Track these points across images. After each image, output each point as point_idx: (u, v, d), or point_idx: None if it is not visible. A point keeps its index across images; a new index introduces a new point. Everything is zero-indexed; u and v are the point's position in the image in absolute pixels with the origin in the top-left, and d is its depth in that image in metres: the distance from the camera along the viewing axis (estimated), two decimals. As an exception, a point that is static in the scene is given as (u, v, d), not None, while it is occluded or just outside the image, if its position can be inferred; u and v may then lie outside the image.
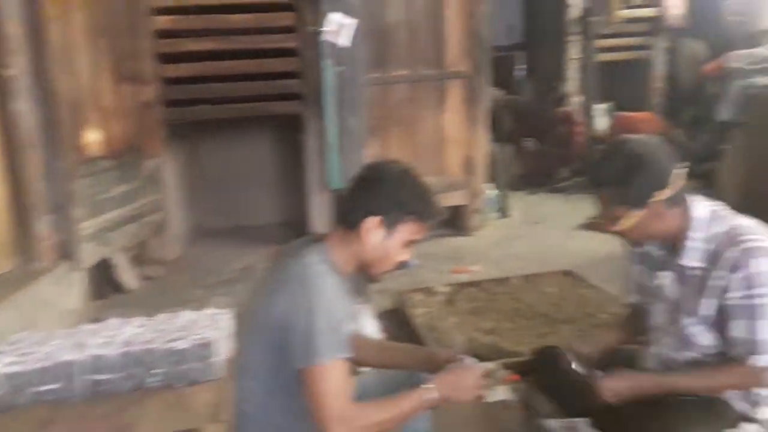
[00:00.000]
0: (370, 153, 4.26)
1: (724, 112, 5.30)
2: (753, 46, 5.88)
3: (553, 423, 1.96)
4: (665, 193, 1.67)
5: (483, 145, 4.87)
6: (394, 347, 1.90)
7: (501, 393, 2.23)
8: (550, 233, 4.91)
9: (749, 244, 1.60)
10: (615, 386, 1.72)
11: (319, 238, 1.59)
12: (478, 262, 4.24)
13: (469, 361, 1.72)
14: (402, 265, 1.63)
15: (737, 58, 5.46)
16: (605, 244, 2.41)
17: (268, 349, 1.49)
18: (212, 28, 4.27)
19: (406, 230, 1.55)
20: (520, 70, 8.39)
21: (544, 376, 2.21)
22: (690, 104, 7.05)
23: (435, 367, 1.69)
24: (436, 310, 3.13)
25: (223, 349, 1.84)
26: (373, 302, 3.23)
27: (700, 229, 1.69)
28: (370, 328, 3.07)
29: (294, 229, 5.03)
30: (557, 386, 2.14)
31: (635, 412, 1.78)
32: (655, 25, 6.99)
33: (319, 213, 4.45)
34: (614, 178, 1.67)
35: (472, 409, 1.78)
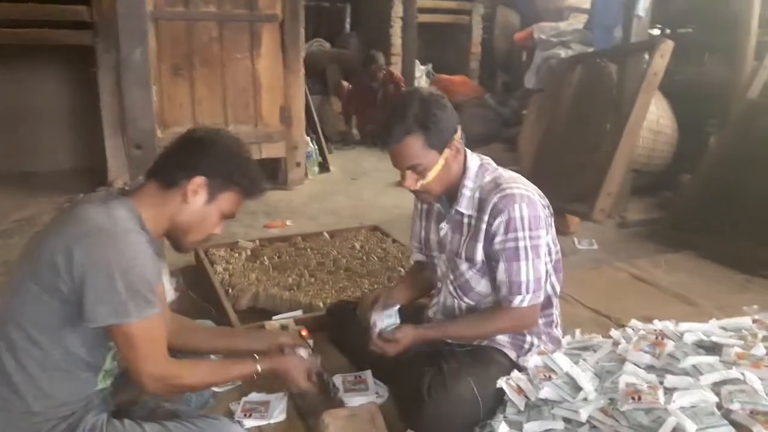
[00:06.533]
0: (170, 93, 3.91)
1: (529, 80, 5.69)
2: (558, 20, 6.38)
3: (338, 378, 1.95)
4: (458, 134, 1.73)
5: (300, 95, 4.71)
6: (230, 332, 1.90)
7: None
8: (366, 189, 4.97)
9: (508, 191, 1.70)
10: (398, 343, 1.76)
11: (126, 193, 1.47)
12: (292, 216, 4.16)
13: (303, 351, 1.76)
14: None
15: (543, 30, 5.86)
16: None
17: (42, 301, 1.34)
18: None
19: (226, 200, 1.50)
20: (347, 23, 8.30)
21: (334, 330, 2.21)
22: (503, 70, 7.52)
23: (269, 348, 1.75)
24: (238, 266, 2.99)
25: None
26: (167, 259, 3.00)
27: (471, 178, 1.77)
28: (166, 286, 2.88)
29: (89, 177, 4.54)
30: (346, 340, 2.15)
31: (416, 363, 1.83)
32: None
33: (116, 159, 4.03)
34: (418, 123, 1.66)
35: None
